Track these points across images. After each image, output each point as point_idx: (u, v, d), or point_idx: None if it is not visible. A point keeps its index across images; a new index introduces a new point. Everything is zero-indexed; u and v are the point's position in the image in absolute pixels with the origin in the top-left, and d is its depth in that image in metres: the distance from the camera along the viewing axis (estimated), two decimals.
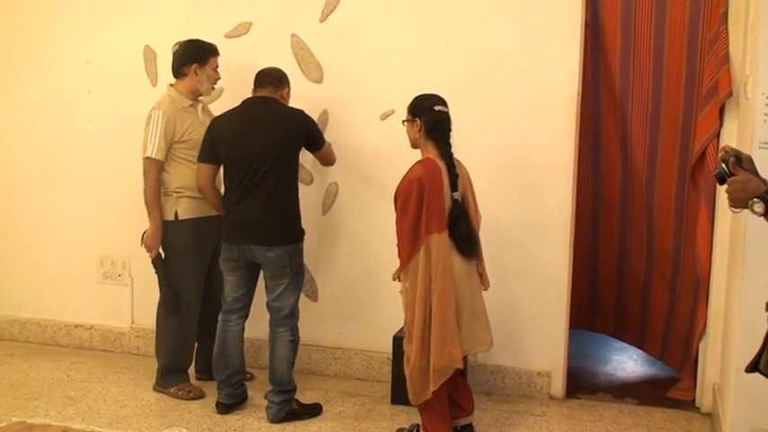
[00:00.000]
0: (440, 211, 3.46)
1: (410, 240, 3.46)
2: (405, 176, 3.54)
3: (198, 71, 4.27)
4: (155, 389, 4.47)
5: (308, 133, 4.09)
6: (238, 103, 4.09)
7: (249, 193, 3.93)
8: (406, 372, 3.56)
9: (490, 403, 4.33)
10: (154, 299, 4.43)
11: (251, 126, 3.95)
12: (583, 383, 4.64)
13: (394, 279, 3.68)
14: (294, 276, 4.03)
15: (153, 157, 4.18)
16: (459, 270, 3.51)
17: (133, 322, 5.19)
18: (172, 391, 4.37)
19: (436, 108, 3.59)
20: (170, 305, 4.31)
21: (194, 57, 4.27)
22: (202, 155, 4.08)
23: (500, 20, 4.30)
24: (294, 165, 4.05)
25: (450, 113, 3.63)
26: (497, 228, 4.21)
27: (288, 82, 4.20)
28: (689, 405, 4.31)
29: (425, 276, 3.45)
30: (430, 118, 3.57)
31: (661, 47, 4.37)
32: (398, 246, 3.54)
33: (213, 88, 4.43)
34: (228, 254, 4.04)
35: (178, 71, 4.30)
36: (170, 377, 4.40)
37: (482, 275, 3.69)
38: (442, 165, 3.52)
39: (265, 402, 4.08)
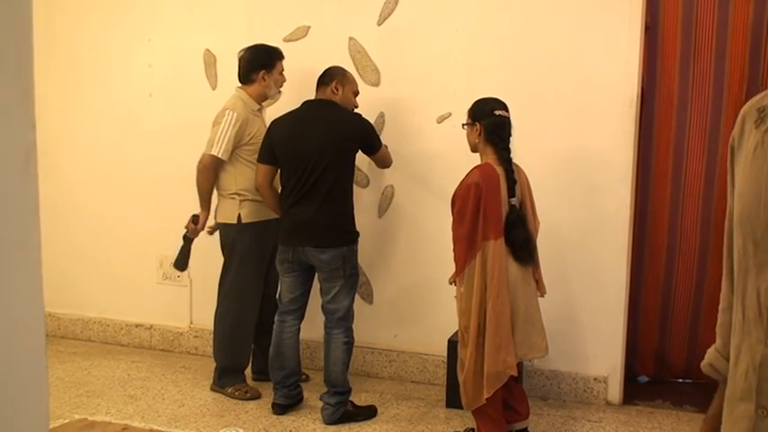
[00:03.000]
0: (497, 217, 3.43)
1: (466, 246, 3.45)
2: (462, 181, 3.52)
3: (266, 77, 4.30)
4: (212, 389, 4.52)
5: (364, 136, 4.09)
6: (296, 106, 4.11)
7: (304, 196, 3.95)
8: (460, 377, 3.55)
9: (546, 408, 4.30)
10: (212, 300, 4.50)
11: (306, 128, 3.98)
12: (640, 390, 4.57)
13: (450, 283, 3.67)
14: (348, 278, 4.04)
15: (219, 156, 4.21)
16: (514, 276, 3.48)
17: (191, 323, 5.26)
18: (229, 391, 4.42)
19: (497, 112, 3.55)
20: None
21: (262, 63, 4.30)
22: (261, 155, 4.11)
23: (558, 22, 4.27)
24: (350, 167, 4.06)
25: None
26: (554, 231, 4.18)
27: (337, 75, 4.09)
28: None
29: (481, 282, 3.42)
30: (490, 122, 3.54)
31: (723, 50, 4.26)
32: (454, 251, 3.52)
33: (280, 92, 4.45)
34: (284, 255, 4.07)
35: (246, 77, 4.32)
36: (227, 377, 4.45)
37: (538, 282, 3.65)
38: (500, 170, 3.49)
39: (320, 404, 4.11)
